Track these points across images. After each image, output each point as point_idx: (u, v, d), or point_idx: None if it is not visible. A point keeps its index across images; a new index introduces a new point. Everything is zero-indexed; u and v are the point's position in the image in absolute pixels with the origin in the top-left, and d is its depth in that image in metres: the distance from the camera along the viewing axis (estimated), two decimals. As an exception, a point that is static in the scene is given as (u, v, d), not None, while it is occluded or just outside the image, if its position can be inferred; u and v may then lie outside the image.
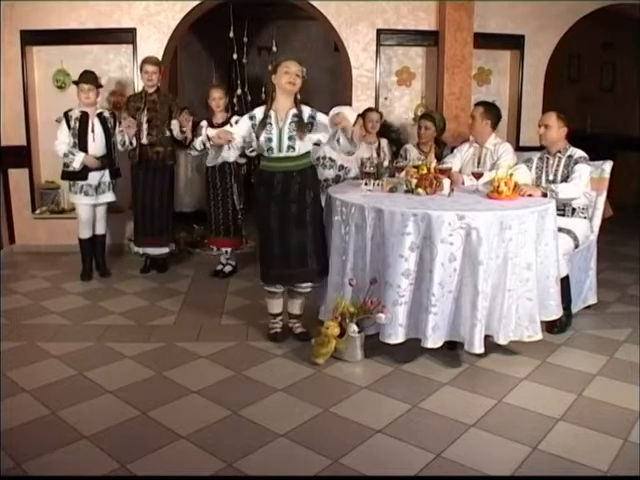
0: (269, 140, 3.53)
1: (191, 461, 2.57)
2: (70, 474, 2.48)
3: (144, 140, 4.97)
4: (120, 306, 4.42)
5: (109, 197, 5.06)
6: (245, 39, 6.34)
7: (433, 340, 3.30)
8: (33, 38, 5.64)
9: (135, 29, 5.69)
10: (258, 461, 2.56)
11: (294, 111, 3.56)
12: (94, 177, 4.92)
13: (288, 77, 3.48)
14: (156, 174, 5.07)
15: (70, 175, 4.92)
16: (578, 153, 4.10)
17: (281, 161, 3.57)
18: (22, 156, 5.78)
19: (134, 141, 4.95)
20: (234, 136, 3.57)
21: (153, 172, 5.06)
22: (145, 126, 4.96)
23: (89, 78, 4.87)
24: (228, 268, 5.22)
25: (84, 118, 4.86)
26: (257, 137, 3.55)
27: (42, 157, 5.87)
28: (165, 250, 5.23)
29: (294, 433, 2.76)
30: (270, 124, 3.53)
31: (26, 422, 2.83)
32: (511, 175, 3.70)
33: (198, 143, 4.93)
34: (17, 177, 5.85)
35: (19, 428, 2.78)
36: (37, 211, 5.93)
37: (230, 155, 3.71)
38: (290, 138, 3.52)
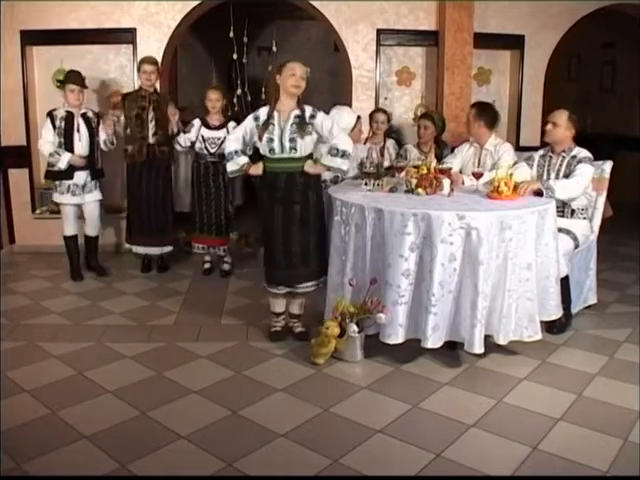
0: (270, 141, 3.53)
1: (191, 461, 2.57)
2: (70, 474, 2.48)
3: (151, 139, 4.97)
4: (120, 306, 4.42)
5: (97, 195, 5.05)
6: (245, 39, 6.33)
7: (433, 340, 3.30)
8: (33, 38, 5.64)
9: (135, 29, 5.69)
10: (258, 461, 2.56)
11: (296, 112, 3.56)
12: (80, 176, 4.90)
13: (294, 80, 3.48)
14: (159, 173, 5.08)
15: (55, 175, 4.90)
16: (583, 153, 4.02)
17: (284, 162, 3.57)
18: (22, 156, 5.78)
19: (114, 140, 4.97)
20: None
21: (156, 171, 5.06)
22: (152, 124, 4.96)
23: (77, 79, 4.84)
24: (227, 267, 5.22)
25: (69, 118, 4.84)
26: (260, 138, 3.55)
27: (42, 157, 5.82)
28: (167, 249, 5.23)
29: (294, 433, 2.76)
30: (273, 125, 3.53)
31: (26, 422, 2.83)
32: (511, 175, 3.70)
33: (183, 139, 4.99)
34: (17, 177, 5.85)
35: (19, 428, 2.78)
36: (37, 211, 5.93)
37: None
38: (291, 140, 3.53)
